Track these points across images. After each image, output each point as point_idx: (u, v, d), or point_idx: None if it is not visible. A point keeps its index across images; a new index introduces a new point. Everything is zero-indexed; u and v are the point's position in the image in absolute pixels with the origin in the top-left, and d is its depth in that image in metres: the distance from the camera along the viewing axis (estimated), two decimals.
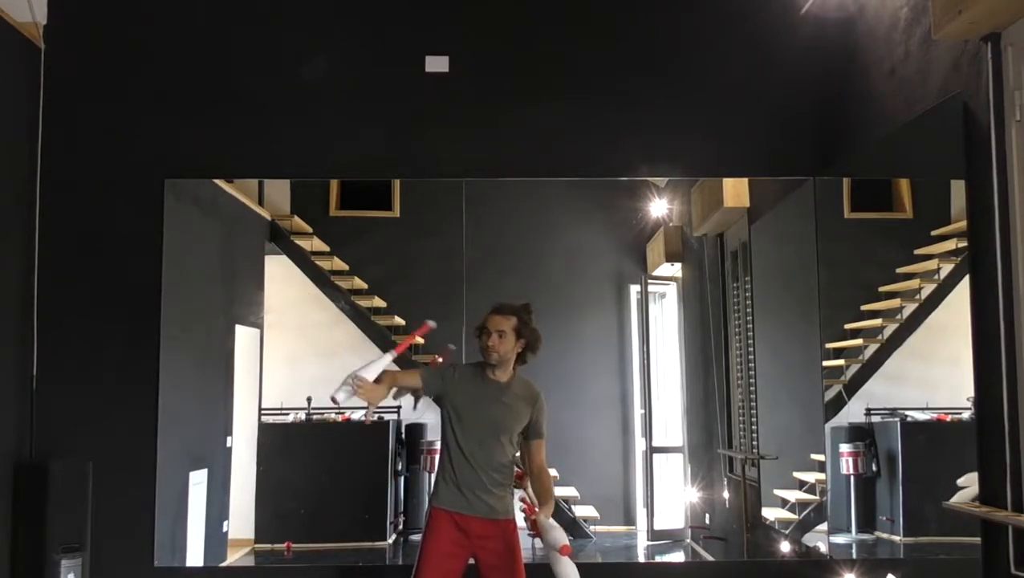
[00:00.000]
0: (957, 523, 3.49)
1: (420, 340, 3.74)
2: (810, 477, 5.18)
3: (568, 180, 5.11)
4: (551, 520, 3.45)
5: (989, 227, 3.13)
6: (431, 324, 3.75)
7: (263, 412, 6.02)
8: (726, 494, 6.07)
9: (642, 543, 6.30)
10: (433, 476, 3.68)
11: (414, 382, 3.62)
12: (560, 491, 6.30)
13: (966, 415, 3.53)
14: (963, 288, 3.36)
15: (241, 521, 5.74)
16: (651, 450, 6.35)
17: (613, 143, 4.68)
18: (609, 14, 4.71)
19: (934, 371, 4.33)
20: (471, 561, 3.55)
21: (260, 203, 6.21)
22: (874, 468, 4.57)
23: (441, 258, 5.80)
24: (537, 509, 3.49)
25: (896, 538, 4.36)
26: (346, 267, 6.36)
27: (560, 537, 3.34)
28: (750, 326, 5.83)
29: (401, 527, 6.13)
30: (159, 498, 4.44)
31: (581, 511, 6.30)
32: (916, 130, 3.71)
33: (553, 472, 6.15)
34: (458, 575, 3.50)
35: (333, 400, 3.45)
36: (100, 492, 4.25)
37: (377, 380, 3.52)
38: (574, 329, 6.50)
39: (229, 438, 5.67)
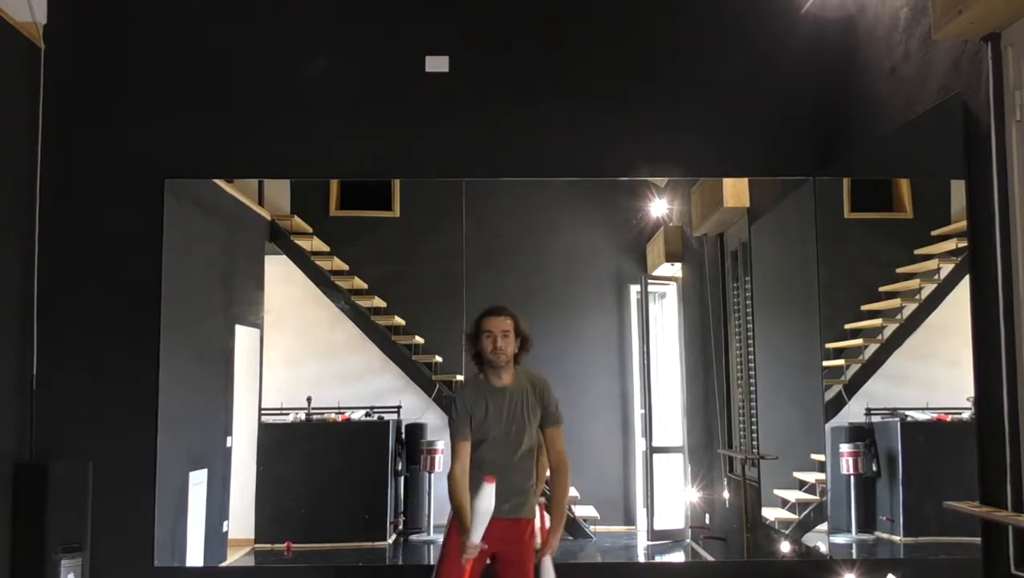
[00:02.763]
0: (957, 523, 3.49)
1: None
2: (810, 477, 5.18)
3: (568, 180, 5.11)
4: (551, 565, 3.44)
5: (989, 227, 3.13)
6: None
7: (263, 412, 6.02)
8: (726, 494, 6.07)
9: (642, 543, 6.30)
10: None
11: (468, 450, 3.52)
12: None
13: (966, 415, 3.52)
14: (963, 288, 3.36)
15: (241, 521, 5.74)
16: (651, 450, 6.35)
17: (613, 143, 4.68)
18: (609, 14, 4.71)
19: (934, 371, 4.33)
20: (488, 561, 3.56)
21: (260, 203, 6.21)
22: (874, 468, 4.57)
23: (441, 258, 5.80)
24: (544, 537, 3.51)
25: (896, 538, 4.36)
26: (346, 267, 6.36)
27: None
28: (750, 326, 5.83)
29: (401, 527, 6.13)
30: (159, 498, 4.44)
31: (581, 511, 6.30)
32: (916, 130, 3.71)
33: None
34: (478, 575, 3.50)
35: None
36: (100, 492, 4.25)
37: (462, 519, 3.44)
38: (574, 329, 6.50)
39: (229, 438, 5.67)
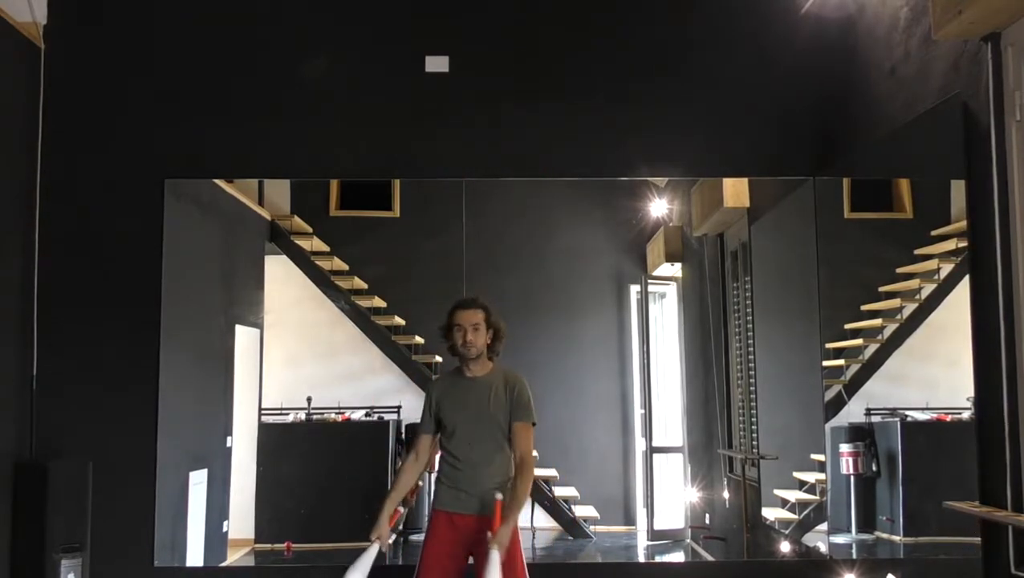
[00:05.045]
0: (957, 523, 3.49)
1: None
2: (810, 477, 5.18)
3: (568, 180, 5.11)
4: (497, 558, 3.20)
5: (989, 227, 3.13)
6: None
7: (263, 412, 6.02)
8: (726, 494, 6.07)
9: (642, 543, 6.30)
10: (433, 476, 3.69)
11: (426, 444, 3.62)
12: (560, 491, 6.31)
13: (966, 415, 3.52)
14: (963, 288, 3.36)
15: (241, 521, 5.73)
16: (651, 450, 6.35)
17: (613, 143, 4.68)
18: (609, 14, 4.71)
19: (934, 371, 4.33)
20: (471, 561, 3.54)
21: (260, 203, 6.20)
22: (874, 468, 4.57)
23: (441, 258, 5.80)
24: (494, 528, 3.29)
25: (896, 538, 4.36)
26: (346, 267, 6.36)
27: None
28: (750, 326, 5.83)
29: (401, 527, 6.13)
30: (159, 498, 4.44)
31: (581, 511, 6.30)
32: (916, 130, 3.71)
33: (552, 472, 6.23)
34: (459, 576, 3.50)
35: None
36: (100, 492, 4.25)
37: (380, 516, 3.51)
38: (574, 329, 6.50)
39: (229, 438, 5.67)
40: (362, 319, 6.32)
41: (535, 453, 3.88)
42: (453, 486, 3.52)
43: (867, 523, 4.58)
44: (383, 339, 6.33)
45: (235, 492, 5.66)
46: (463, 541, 3.49)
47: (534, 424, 3.56)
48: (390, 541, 3.51)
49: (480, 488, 3.49)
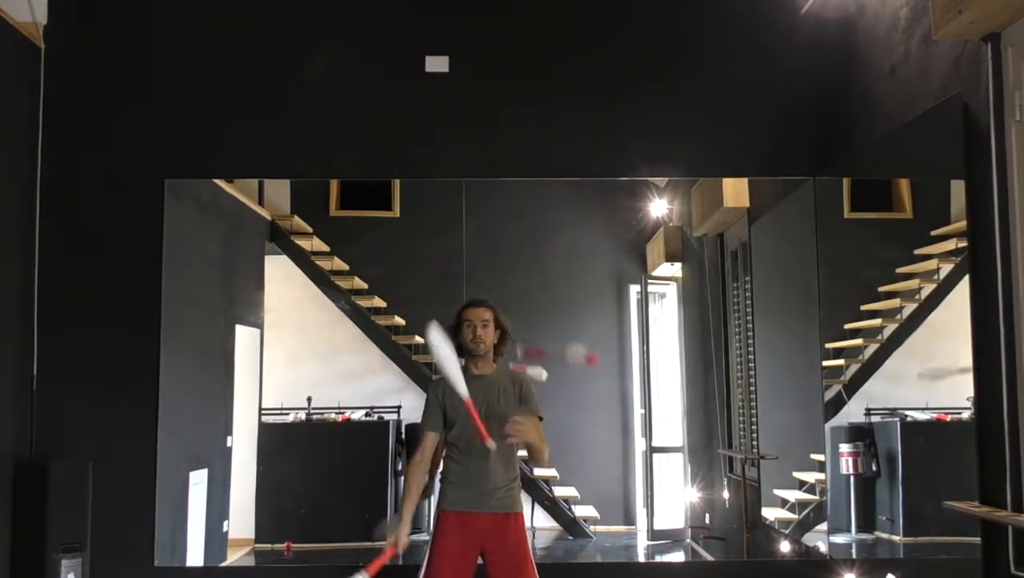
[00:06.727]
0: (957, 523, 3.49)
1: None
2: (810, 477, 5.18)
3: (568, 180, 5.11)
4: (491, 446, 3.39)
5: (989, 227, 3.13)
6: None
7: (263, 412, 6.02)
8: (726, 494, 6.07)
9: (642, 543, 6.30)
10: (437, 479, 3.68)
11: (433, 442, 3.61)
12: (560, 491, 6.31)
13: (966, 415, 3.52)
14: (963, 288, 3.36)
15: (241, 521, 5.74)
16: (651, 450, 6.35)
17: (613, 143, 4.68)
18: (609, 14, 4.71)
19: (934, 371, 4.33)
20: (480, 561, 3.54)
21: (260, 203, 6.21)
22: (874, 468, 4.57)
23: (441, 258, 5.81)
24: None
25: (896, 538, 4.36)
26: (346, 267, 6.36)
27: None
28: (750, 326, 5.83)
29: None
30: (159, 498, 4.44)
31: (581, 511, 6.30)
32: (916, 130, 3.71)
33: (552, 472, 6.24)
34: (469, 576, 3.50)
35: None
36: (100, 492, 4.25)
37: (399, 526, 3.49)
38: (574, 329, 6.50)
39: (229, 438, 5.67)
40: (362, 319, 6.32)
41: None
42: (463, 484, 3.51)
43: (867, 523, 4.58)
44: (383, 339, 6.33)
45: (235, 492, 5.66)
46: (474, 541, 3.48)
47: (541, 418, 3.60)
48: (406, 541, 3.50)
49: (492, 484, 3.49)
